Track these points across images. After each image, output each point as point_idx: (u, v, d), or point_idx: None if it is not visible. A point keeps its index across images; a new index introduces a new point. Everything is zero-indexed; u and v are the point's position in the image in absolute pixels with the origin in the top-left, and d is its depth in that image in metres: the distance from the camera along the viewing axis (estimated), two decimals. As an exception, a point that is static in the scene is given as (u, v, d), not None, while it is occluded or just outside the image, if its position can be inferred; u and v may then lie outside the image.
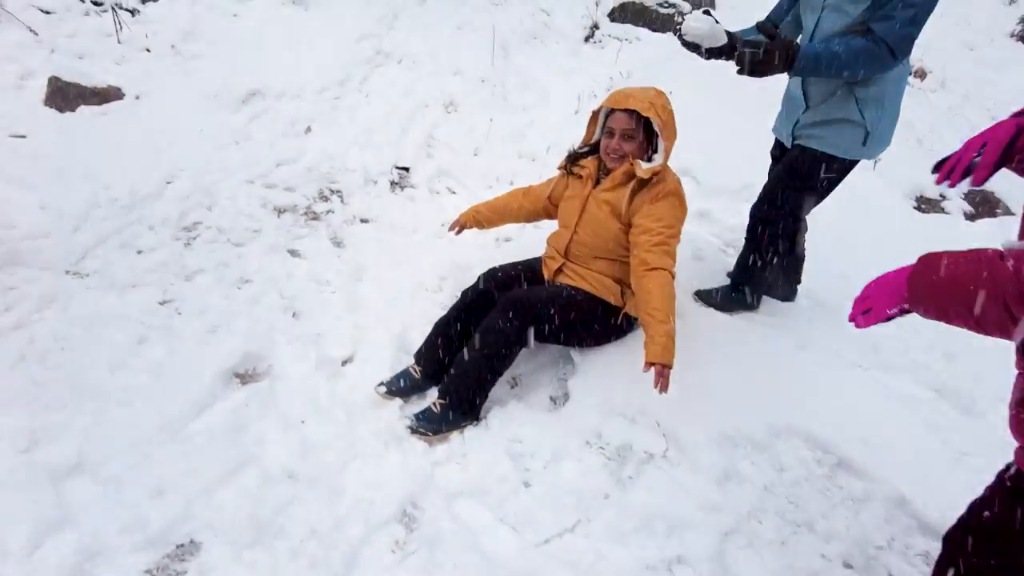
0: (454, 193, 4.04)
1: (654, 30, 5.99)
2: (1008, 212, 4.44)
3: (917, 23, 2.07)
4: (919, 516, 1.96)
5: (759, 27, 2.41)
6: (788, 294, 3.04)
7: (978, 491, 1.28)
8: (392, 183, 3.96)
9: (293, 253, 3.21)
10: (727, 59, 2.23)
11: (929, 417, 2.34)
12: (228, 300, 2.81)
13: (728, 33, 2.22)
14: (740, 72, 2.15)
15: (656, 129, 2.31)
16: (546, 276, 2.63)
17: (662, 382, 1.97)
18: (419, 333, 2.66)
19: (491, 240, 3.51)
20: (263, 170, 3.69)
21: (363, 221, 3.61)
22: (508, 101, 4.81)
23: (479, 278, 2.63)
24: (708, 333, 2.65)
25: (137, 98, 3.93)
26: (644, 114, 2.25)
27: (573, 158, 2.62)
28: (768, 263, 2.76)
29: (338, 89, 4.52)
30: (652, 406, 2.25)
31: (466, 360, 2.33)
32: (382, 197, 3.83)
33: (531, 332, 2.32)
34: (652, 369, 1.99)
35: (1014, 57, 6.90)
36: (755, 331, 2.71)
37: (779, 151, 2.81)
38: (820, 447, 2.17)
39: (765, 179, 2.79)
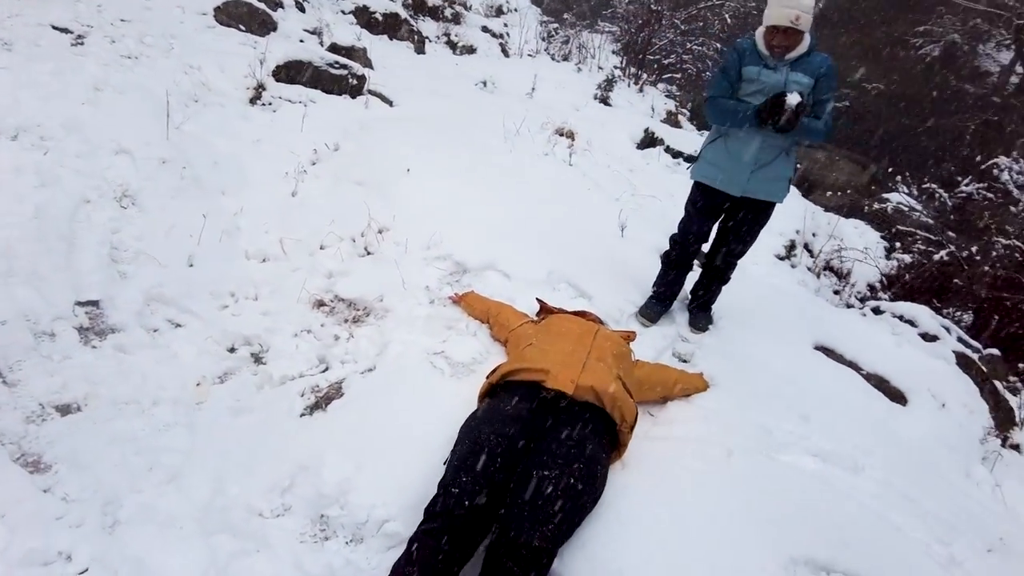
0: (179, 326, 2.91)
1: (327, 92, 5.47)
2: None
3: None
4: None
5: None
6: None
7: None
8: (81, 331, 2.62)
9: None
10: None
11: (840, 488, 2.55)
12: None
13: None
14: (777, 126, 2.91)
15: None
16: (558, 385, 2.16)
17: None
18: None
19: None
20: None
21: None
22: (203, 186, 3.72)
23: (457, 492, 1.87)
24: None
25: None
26: None
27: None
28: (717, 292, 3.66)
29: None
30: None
31: None
32: (71, 359, 2.50)
33: None
34: None
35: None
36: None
37: (712, 200, 3.33)
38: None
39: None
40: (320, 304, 3.30)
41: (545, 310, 3.03)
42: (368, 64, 6.40)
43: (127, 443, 2.22)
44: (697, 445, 2.51)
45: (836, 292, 6.70)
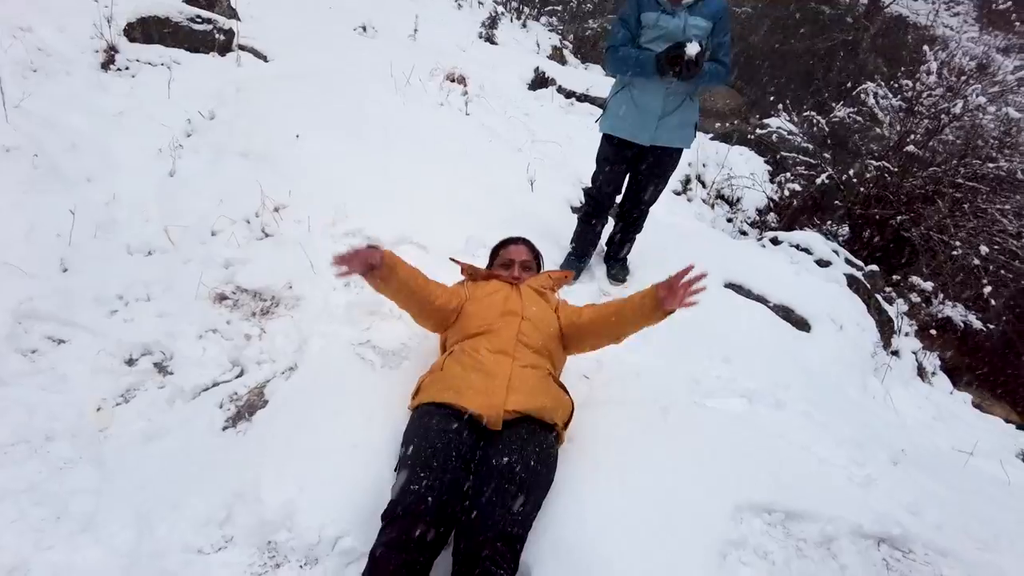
0: (62, 343, 2.57)
1: (192, 50, 4.89)
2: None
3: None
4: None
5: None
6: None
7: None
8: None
9: None
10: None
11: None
12: None
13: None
14: (680, 76, 2.92)
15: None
16: (480, 407, 2.00)
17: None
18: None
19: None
20: None
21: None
22: (62, 174, 3.24)
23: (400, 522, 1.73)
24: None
25: None
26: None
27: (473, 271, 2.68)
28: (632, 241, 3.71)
29: None
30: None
31: None
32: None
33: None
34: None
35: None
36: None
37: (622, 151, 3.33)
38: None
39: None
40: (222, 298, 3.02)
41: (466, 273, 2.74)
42: (233, 15, 5.75)
43: (22, 494, 1.94)
44: (634, 407, 2.56)
45: (729, 220, 7.03)
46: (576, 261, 3.63)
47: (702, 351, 3.09)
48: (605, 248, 3.79)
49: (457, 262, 2.77)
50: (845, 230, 6.83)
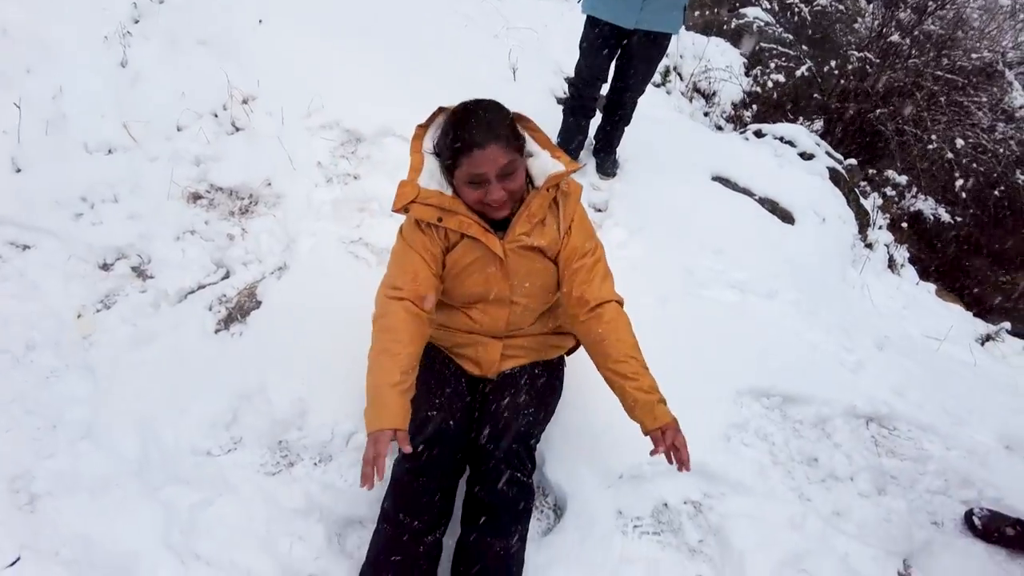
0: (27, 248, 2.39)
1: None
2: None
3: None
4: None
5: None
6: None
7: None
8: None
9: None
10: None
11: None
12: None
13: None
14: None
15: (529, 143, 1.74)
16: (479, 372, 1.84)
17: (684, 450, 1.55)
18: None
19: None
20: None
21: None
22: (-1, 64, 2.91)
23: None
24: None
25: None
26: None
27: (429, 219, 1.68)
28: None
29: None
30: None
31: None
32: None
33: None
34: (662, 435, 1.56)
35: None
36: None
37: (605, 36, 3.07)
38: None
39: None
40: (196, 197, 2.83)
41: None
42: None
43: (11, 403, 1.85)
44: (633, 298, 2.54)
45: (705, 114, 6.91)
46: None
47: (694, 243, 3.08)
48: (594, 142, 3.66)
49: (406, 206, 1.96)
50: (819, 125, 6.79)
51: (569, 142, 3.50)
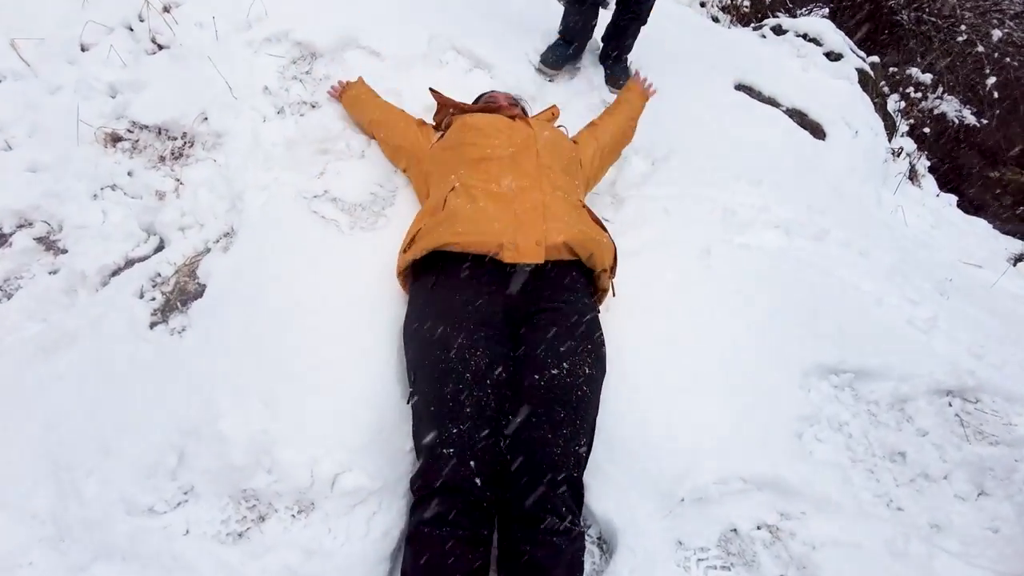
0: None
1: None
2: None
3: None
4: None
5: None
6: None
7: None
8: None
9: None
10: None
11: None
12: None
13: None
14: None
15: None
16: (513, 239, 1.54)
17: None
18: None
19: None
20: None
21: None
22: None
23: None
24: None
25: None
26: None
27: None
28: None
29: None
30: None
31: None
32: None
33: None
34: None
35: None
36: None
37: None
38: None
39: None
40: (114, 139, 2.25)
41: (445, 107, 2.19)
42: None
43: None
44: (672, 252, 2.10)
45: (702, 4, 6.22)
46: (562, 46, 2.86)
47: (727, 173, 2.59)
48: (601, 45, 3.05)
49: (438, 96, 2.18)
50: (824, 12, 6.15)
51: (572, 30, 2.86)
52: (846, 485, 1.61)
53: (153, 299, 1.80)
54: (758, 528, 1.51)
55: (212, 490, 1.36)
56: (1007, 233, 4.70)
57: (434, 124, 2.21)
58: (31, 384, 1.56)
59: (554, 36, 2.92)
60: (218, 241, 1.94)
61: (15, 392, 1.55)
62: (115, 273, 1.89)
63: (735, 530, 1.50)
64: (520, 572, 1.20)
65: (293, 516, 1.36)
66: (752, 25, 4.86)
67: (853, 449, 1.72)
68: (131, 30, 2.52)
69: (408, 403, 1.42)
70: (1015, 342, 2.31)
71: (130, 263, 1.92)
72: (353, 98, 2.27)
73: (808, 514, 1.53)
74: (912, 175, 4.63)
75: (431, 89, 2.24)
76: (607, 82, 2.98)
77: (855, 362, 1.89)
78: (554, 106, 2.35)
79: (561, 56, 2.87)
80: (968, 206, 6.12)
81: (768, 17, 5.28)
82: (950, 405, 1.92)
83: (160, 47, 2.49)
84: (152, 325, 1.74)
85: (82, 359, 1.62)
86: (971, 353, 2.10)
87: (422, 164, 1.94)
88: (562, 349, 1.42)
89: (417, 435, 1.34)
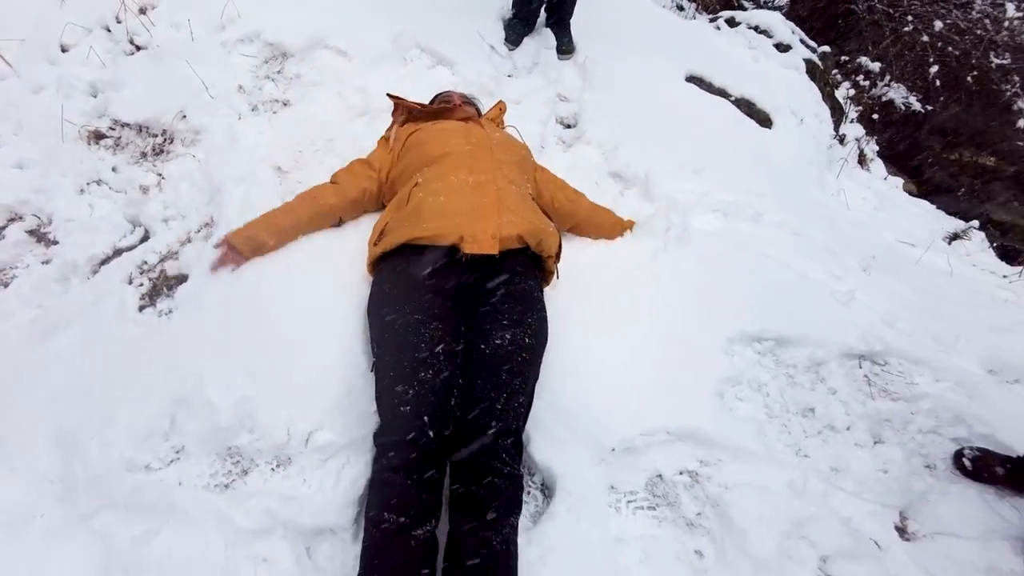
0: None
1: None
2: None
3: None
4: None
5: None
6: None
7: None
8: None
9: None
10: None
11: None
12: None
13: None
14: None
15: None
16: (472, 231, 1.73)
17: None
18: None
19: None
20: None
21: None
22: None
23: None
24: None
25: None
26: None
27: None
28: None
29: None
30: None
31: None
32: None
33: None
34: None
35: None
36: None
37: None
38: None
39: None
40: (98, 137, 2.40)
41: (404, 111, 2.30)
42: None
43: None
44: (623, 245, 2.31)
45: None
46: (519, 24, 3.31)
47: (673, 163, 2.80)
48: (545, 15, 3.43)
49: (395, 99, 2.30)
50: (783, 2, 6.36)
51: (526, 10, 3.30)
52: (760, 436, 1.84)
53: (141, 285, 1.98)
54: (680, 473, 1.74)
55: (201, 449, 1.55)
56: (962, 212, 4.99)
57: (391, 123, 2.32)
58: (33, 363, 1.74)
59: (508, 13, 3.39)
60: (199, 231, 2.12)
61: (18, 370, 1.72)
62: (104, 262, 2.06)
63: (660, 475, 1.73)
64: (467, 509, 1.41)
65: (272, 469, 1.56)
66: (709, 17, 5.06)
67: (770, 407, 1.95)
68: (109, 31, 2.66)
69: (371, 371, 1.62)
70: (926, 313, 2.56)
71: (118, 252, 2.09)
72: (252, 232, 1.89)
73: (724, 461, 1.76)
74: (861, 159, 4.89)
75: (389, 94, 2.37)
76: (557, 51, 3.37)
77: (777, 330, 2.12)
78: (501, 102, 2.53)
79: (519, 33, 3.30)
80: (930, 187, 6.45)
81: (732, 8, 5.49)
82: (860, 367, 2.16)
83: (138, 48, 2.64)
84: (141, 308, 1.92)
85: (79, 340, 1.79)
86: (884, 322, 2.34)
87: (388, 180, 2.07)
88: (505, 322, 1.63)
89: (379, 397, 1.54)
